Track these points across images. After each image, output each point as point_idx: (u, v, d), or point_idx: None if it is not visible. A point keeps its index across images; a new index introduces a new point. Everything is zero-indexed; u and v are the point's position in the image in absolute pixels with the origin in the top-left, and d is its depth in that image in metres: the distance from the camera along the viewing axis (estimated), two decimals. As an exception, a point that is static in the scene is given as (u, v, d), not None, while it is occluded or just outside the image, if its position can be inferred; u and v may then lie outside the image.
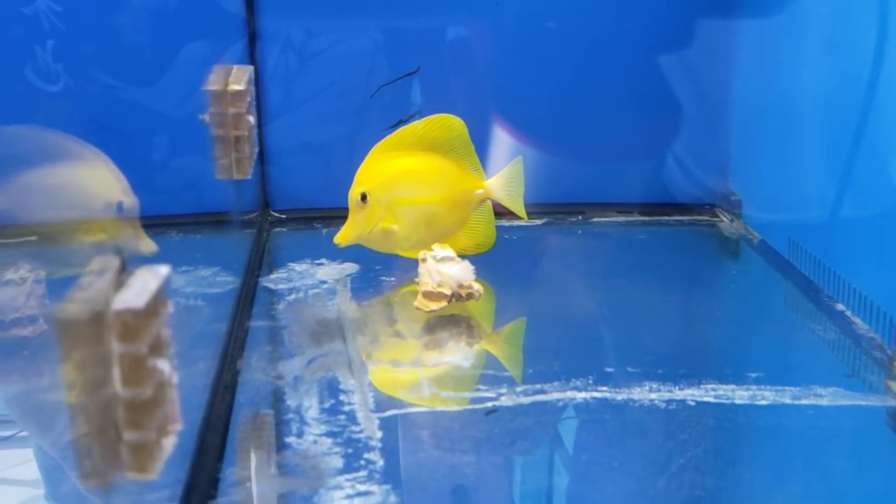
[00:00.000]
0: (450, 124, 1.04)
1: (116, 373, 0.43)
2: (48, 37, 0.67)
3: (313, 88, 1.29)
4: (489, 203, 1.08)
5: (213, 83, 0.92)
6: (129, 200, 0.81)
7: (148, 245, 0.85)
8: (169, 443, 0.47)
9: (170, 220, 1.23)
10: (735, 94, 1.23)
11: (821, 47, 1.01)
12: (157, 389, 0.45)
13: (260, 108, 1.25)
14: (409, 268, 1.05)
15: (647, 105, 1.28)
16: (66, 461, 0.67)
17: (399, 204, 1.03)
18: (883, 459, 0.71)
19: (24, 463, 0.73)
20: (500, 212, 1.27)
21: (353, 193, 1.02)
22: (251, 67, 1.01)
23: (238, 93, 0.93)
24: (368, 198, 1.01)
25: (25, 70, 0.67)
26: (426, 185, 1.04)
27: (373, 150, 1.04)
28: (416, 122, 1.05)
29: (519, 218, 1.12)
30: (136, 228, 0.84)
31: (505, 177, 1.07)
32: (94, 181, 0.81)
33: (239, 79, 0.95)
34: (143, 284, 0.45)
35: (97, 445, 0.42)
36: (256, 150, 1.04)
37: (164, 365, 0.46)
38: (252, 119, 0.97)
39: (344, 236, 1.02)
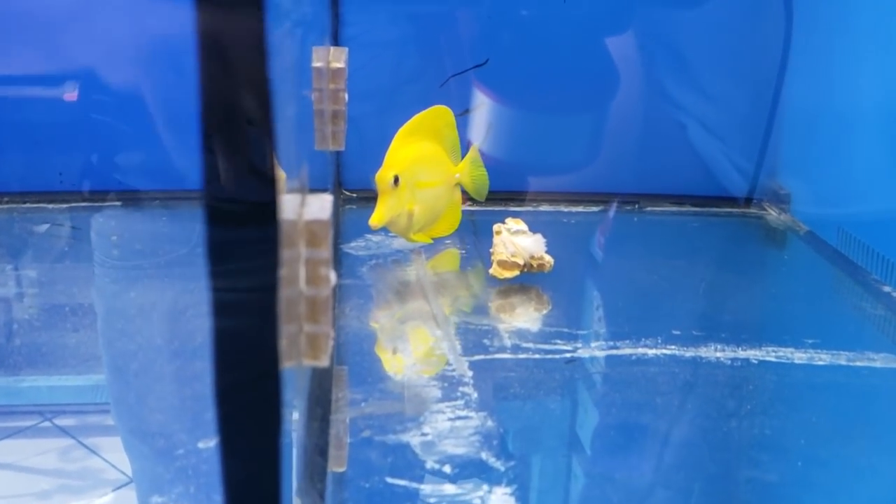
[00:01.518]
0: (446, 113, 1.13)
1: (302, 273, 0.51)
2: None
3: (386, 78, 1.38)
4: (458, 188, 1.17)
5: (316, 61, 1.01)
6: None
7: None
8: (331, 342, 0.55)
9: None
10: (786, 91, 1.30)
11: (873, 46, 1.08)
12: (328, 293, 0.53)
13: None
14: (478, 242, 1.13)
15: (701, 103, 1.36)
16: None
17: (419, 187, 1.09)
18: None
19: (44, 453, 0.75)
20: (556, 199, 1.37)
21: (386, 176, 1.06)
22: (346, 49, 1.09)
23: (338, 70, 1.02)
24: (400, 181, 1.06)
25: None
26: (437, 170, 1.12)
27: (397, 135, 1.10)
28: (425, 111, 1.13)
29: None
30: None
31: (468, 164, 1.16)
32: None
33: (338, 58, 1.03)
34: (321, 204, 0.54)
35: (287, 336, 0.51)
36: (346, 127, 1.12)
37: (333, 275, 0.54)
38: (346, 96, 1.06)
39: (379, 218, 1.05)
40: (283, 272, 0.51)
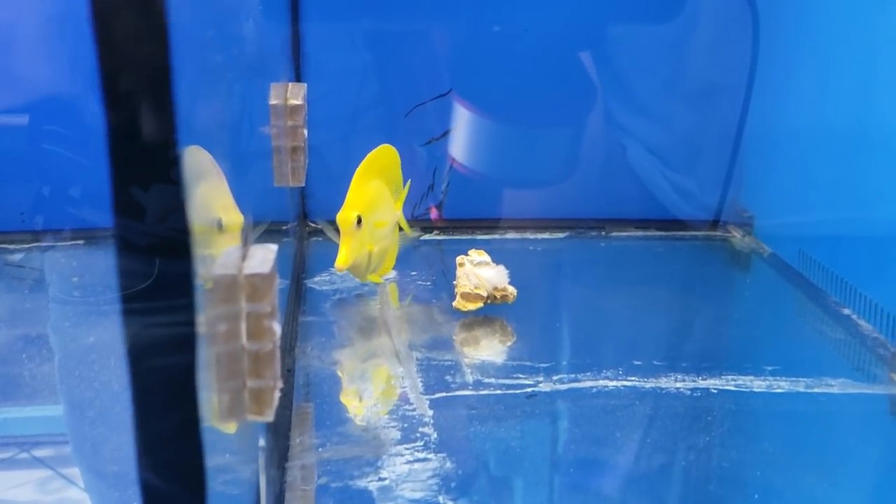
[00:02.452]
0: (392, 152, 1.13)
1: (244, 328, 0.51)
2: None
3: (347, 107, 1.38)
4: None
5: (273, 98, 1.01)
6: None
7: None
8: (277, 395, 0.55)
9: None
10: (749, 116, 1.32)
11: (832, 71, 1.10)
12: (273, 346, 0.53)
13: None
14: (439, 275, 1.13)
15: (665, 128, 1.38)
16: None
17: (377, 227, 1.08)
18: (885, 440, 0.79)
19: (22, 485, 0.74)
20: (523, 226, 1.37)
21: (349, 217, 1.04)
22: (305, 84, 1.09)
23: (296, 107, 1.02)
24: (363, 221, 1.05)
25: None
26: (387, 209, 1.11)
27: (355, 174, 1.09)
28: (375, 150, 1.12)
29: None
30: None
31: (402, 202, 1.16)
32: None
33: (296, 94, 1.04)
34: (264, 256, 0.53)
35: (229, 392, 0.50)
36: (307, 161, 1.12)
37: (277, 327, 0.54)
38: (306, 132, 1.06)
39: (344, 260, 1.03)
40: (223, 327, 0.50)
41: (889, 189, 0.96)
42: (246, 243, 0.54)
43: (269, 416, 0.52)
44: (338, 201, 1.43)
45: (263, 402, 0.52)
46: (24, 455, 0.79)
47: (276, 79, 1.16)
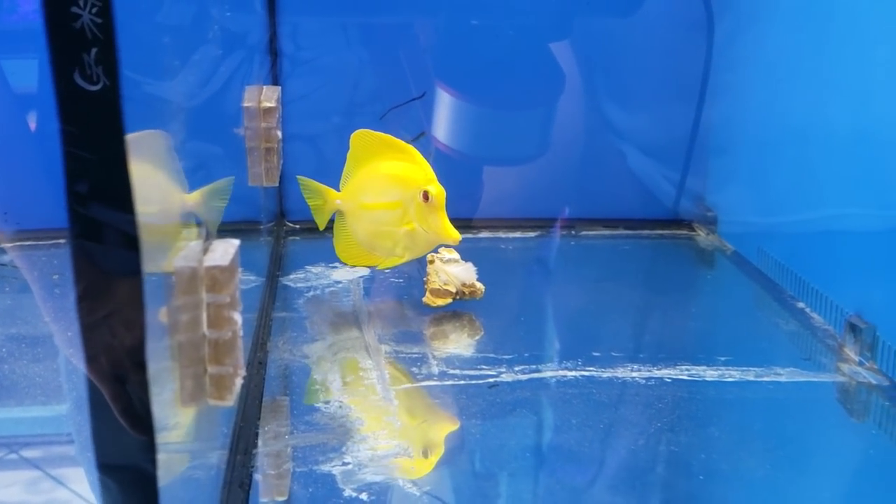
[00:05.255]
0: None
1: (204, 318, 0.54)
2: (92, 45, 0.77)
3: (325, 107, 1.41)
4: None
5: (247, 101, 1.04)
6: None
7: None
8: (239, 382, 0.58)
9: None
10: (711, 117, 1.36)
11: (784, 75, 1.14)
12: (233, 334, 0.56)
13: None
14: (414, 272, 1.16)
15: (632, 129, 1.42)
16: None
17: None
18: (826, 424, 0.83)
19: (11, 485, 0.75)
20: (496, 226, 1.41)
21: (443, 190, 0.99)
22: (279, 87, 1.13)
23: (269, 109, 1.05)
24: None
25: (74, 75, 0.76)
26: None
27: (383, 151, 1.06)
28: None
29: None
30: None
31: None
32: None
33: (269, 97, 1.07)
34: (225, 249, 0.56)
35: (190, 377, 0.53)
36: (282, 161, 1.15)
37: (237, 317, 0.57)
38: (280, 133, 1.09)
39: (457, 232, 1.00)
40: (184, 317, 0.53)
41: (837, 190, 1.01)
42: (208, 237, 0.57)
43: (230, 401, 0.55)
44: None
45: (224, 388, 0.55)
46: (13, 456, 0.80)
47: (251, 81, 1.19)
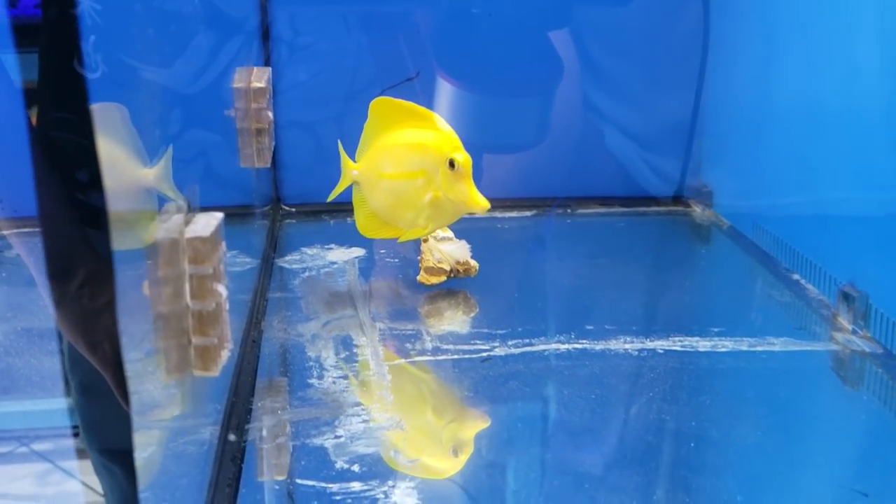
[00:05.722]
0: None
1: (188, 289, 0.54)
2: (90, 32, 0.76)
3: (321, 91, 1.41)
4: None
5: (237, 81, 1.04)
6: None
7: None
8: (225, 354, 0.58)
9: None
10: (706, 93, 1.35)
11: (778, 54, 1.14)
12: (217, 306, 0.56)
13: (274, 112, 1.37)
14: (410, 252, 1.16)
15: (627, 107, 1.41)
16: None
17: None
18: (822, 391, 0.83)
19: (21, 478, 0.76)
20: (493, 206, 1.41)
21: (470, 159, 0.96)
22: (269, 68, 1.12)
23: (259, 90, 1.05)
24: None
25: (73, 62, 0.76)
26: None
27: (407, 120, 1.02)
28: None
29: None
30: None
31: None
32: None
33: (260, 77, 1.07)
34: (207, 221, 0.57)
35: (174, 348, 0.53)
36: (273, 143, 1.15)
37: (222, 289, 0.57)
38: (271, 114, 1.09)
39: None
40: (167, 289, 0.53)
41: (830, 165, 1.00)
42: (190, 209, 0.58)
43: (215, 372, 0.56)
44: (311, 184, 1.47)
45: (209, 359, 0.55)
46: (24, 449, 0.81)
47: (241, 63, 1.19)
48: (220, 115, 1.06)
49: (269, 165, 1.10)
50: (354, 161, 1.08)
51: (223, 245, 0.60)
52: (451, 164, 0.95)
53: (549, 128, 1.42)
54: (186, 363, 0.54)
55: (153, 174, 0.70)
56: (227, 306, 0.60)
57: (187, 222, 0.57)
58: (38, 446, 0.80)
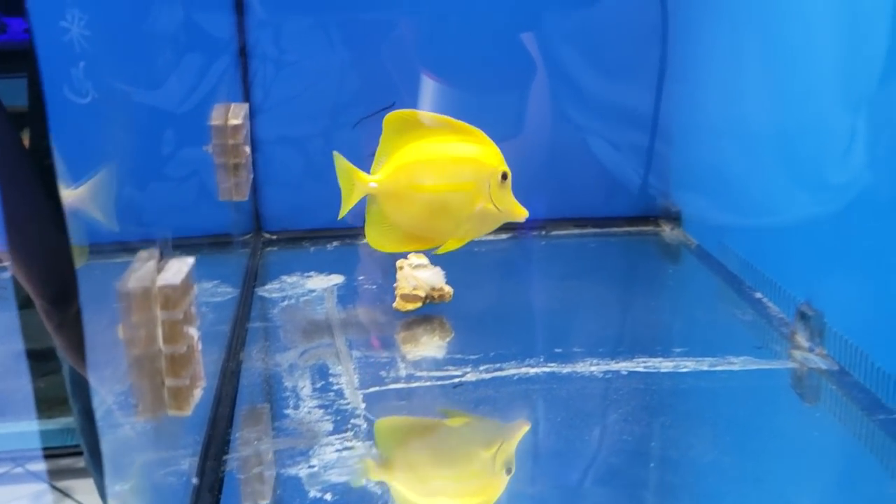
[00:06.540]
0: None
1: (160, 334, 0.57)
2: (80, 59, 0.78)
3: (299, 120, 1.44)
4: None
5: (215, 119, 1.08)
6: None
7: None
8: (198, 393, 0.61)
9: (174, 242, 1.38)
10: (673, 116, 1.40)
11: (742, 73, 1.18)
12: (188, 349, 0.59)
13: (253, 140, 1.40)
14: (388, 276, 1.20)
15: (597, 130, 1.45)
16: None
17: None
18: (779, 408, 0.86)
19: (18, 499, 0.78)
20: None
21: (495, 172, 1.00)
22: (247, 104, 1.16)
23: (236, 126, 1.08)
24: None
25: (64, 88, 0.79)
26: None
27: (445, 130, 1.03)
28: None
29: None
30: None
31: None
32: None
33: (237, 114, 1.10)
34: (178, 268, 0.60)
35: (148, 389, 0.56)
36: (251, 176, 1.19)
37: (193, 332, 0.61)
38: (248, 149, 1.13)
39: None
40: (140, 333, 0.57)
41: (788, 186, 1.04)
42: (163, 256, 0.61)
43: (188, 412, 0.59)
44: (289, 211, 1.50)
45: (182, 399, 0.58)
46: (19, 470, 0.81)
47: (219, 98, 1.23)
48: (202, 140, 1.09)
49: (246, 199, 1.13)
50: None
51: (194, 288, 0.63)
52: (504, 176, 1.01)
53: (520, 123, 1.45)
54: (160, 403, 0.57)
55: (74, 195, 0.70)
56: (199, 346, 0.63)
57: (160, 269, 0.60)
58: (34, 467, 0.82)
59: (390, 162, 1.03)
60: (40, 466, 0.83)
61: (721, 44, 1.23)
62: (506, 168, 1.01)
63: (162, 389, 0.58)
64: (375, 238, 1.05)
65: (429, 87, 1.43)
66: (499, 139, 1.05)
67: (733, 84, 1.20)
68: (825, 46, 0.95)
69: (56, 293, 1.06)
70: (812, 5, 0.98)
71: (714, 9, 1.25)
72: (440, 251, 1.04)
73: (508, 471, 0.75)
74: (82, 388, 1.13)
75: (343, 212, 1.05)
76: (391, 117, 1.05)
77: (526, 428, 0.81)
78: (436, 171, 1.01)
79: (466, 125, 1.03)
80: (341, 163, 1.04)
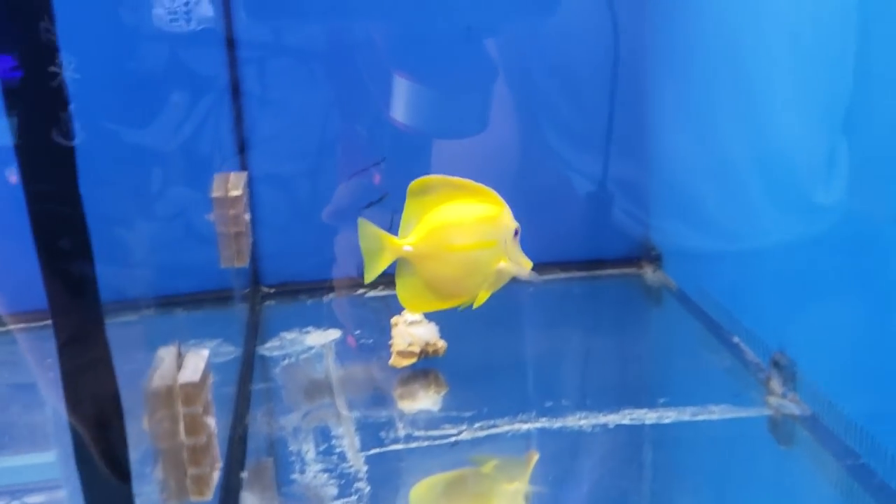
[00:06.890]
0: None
1: (182, 427, 0.63)
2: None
3: (294, 177, 1.50)
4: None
5: (216, 190, 1.13)
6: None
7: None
8: (216, 475, 0.66)
9: (174, 300, 1.43)
10: (653, 158, 1.46)
11: (717, 114, 1.23)
12: (208, 437, 0.65)
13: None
14: (382, 330, 1.25)
15: (579, 172, 1.52)
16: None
17: None
18: (754, 456, 0.92)
19: None
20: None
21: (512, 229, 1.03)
22: (245, 173, 1.22)
23: (236, 197, 1.14)
24: None
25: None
26: None
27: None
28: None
29: None
30: None
31: None
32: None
33: (236, 185, 1.16)
34: (195, 364, 0.65)
35: (173, 480, 0.61)
36: (251, 239, 1.24)
37: (211, 420, 0.66)
38: (248, 217, 1.18)
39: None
40: (164, 427, 0.62)
41: (763, 233, 1.10)
42: (180, 354, 0.66)
43: (209, 496, 0.64)
44: (287, 263, 1.55)
45: (203, 485, 0.64)
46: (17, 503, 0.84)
47: (218, 168, 1.28)
48: (200, 189, 1.14)
49: (247, 264, 1.18)
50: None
51: (210, 377, 0.68)
52: (516, 232, 1.04)
53: (488, 119, 1.48)
54: (184, 492, 0.63)
55: None
56: (216, 432, 0.68)
57: (179, 365, 0.65)
58: (32, 500, 0.84)
59: (421, 225, 1.06)
60: (38, 499, 0.86)
61: (699, 86, 1.28)
62: (517, 224, 1.05)
63: (185, 479, 0.63)
64: (410, 300, 1.07)
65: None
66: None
67: (703, 126, 1.25)
68: (783, 84, 0.99)
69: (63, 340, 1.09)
70: (768, 44, 1.02)
71: (679, 55, 1.32)
72: (476, 305, 1.07)
73: None
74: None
75: (373, 276, 1.06)
76: (415, 184, 1.08)
77: (525, 489, 0.86)
78: (466, 231, 1.04)
79: (481, 186, 1.07)
80: (369, 229, 1.05)
